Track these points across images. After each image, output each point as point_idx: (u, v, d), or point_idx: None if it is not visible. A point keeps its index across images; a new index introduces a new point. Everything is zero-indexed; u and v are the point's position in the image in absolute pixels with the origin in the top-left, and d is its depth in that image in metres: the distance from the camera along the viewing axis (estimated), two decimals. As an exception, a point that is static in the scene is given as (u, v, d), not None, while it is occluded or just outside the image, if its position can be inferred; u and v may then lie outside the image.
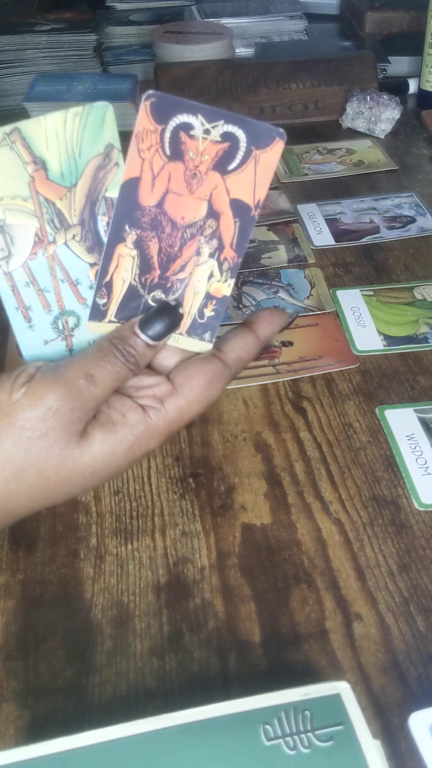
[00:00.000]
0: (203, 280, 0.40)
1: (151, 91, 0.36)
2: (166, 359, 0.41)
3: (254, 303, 0.71)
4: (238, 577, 0.47)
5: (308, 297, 0.71)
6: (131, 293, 0.40)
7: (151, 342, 0.39)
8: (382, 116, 1.02)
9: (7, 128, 0.37)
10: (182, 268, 0.40)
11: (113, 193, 0.39)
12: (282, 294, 0.72)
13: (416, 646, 0.43)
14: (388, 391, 0.60)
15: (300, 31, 1.32)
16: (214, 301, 0.40)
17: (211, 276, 0.40)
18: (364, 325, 0.67)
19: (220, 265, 0.40)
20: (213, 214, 0.38)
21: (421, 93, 1.09)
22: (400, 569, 0.47)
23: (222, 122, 0.36)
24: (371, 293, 0.72)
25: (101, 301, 0.40)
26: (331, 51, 1.25)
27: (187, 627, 0.44)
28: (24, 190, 0.38)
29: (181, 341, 0.41)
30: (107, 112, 0.37)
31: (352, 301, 0.70)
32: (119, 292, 0.40)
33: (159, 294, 0.40)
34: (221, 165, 0.37)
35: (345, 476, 0.53)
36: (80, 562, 0.48)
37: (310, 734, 0.32)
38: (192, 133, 0.37)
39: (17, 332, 0.41)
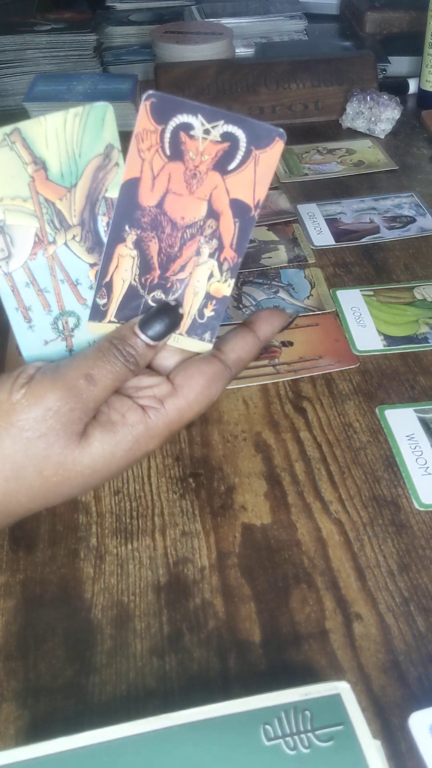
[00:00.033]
0: (203, 281, 0.40)
1: (151, 92, 0.36)
2: (166, 359, 0.41)
3: (254, 303, 0.71)
4: (238, 577, 0.47)
5: (308, 297, 0.71)
6: (131, 293, 0.40)
7: (151, 342, 0.39)
8: (382, 116, 1.02)
9: (8, 128, 0.37)
10: (182, 269, 0.40)
11: (113, 193, 0.39)
12: (282, 294, 0.72)
13: (416, 646, 0.43)
14: (388, 391, 0.60)
15: (300, 31, 1.32)
16: (214, 302, 0.40)
17: (211, 276, 0.40)
18: (364, 325, 0.67)
19: (220, 265, 0.40)
20: (213, 214, 0.38)
21: (421, 93, 1.09)
22: (400, 569, 0.47)
23: (222, 122, 0.36)
24: (371, 293, 0.72)
25: (101, 302, 0.40)
26: (331, 51, 1.25)
27: (187, 627, 0.44)
28: (24, 190, 0.38)
29: (181, 341, 0.41)
30: (107, 113, 0.37)
31: (352, 301, 0.70)
32: (119, 292, 0.40)
33: (159, 294, 0.40)
34: (221, 165, 0.37)
35: (345, 476, 0.53)
36: (80, 562, 0.48)
37: (310, 734, 0.32)
38: (192, 133, 0.37)
39: (17, 332, 0.41)
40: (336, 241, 0.80)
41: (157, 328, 0.39)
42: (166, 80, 1.07)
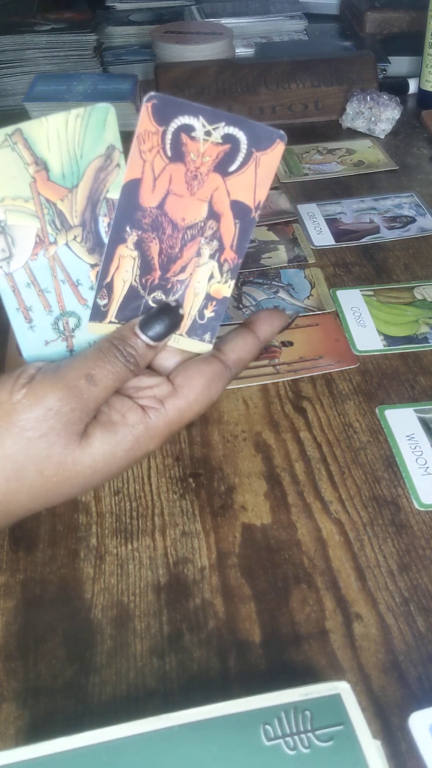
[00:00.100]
0: (203, 281, 0.40)
1: (152, 93, 0.36)
2: (167, 360, 0.41)
3: (254, 303, 0.71)
4: (238, 577, 0.47)
5: (308, 297, 0.71)
6: (132, 294, 0.40)
7: (151, 343, 0.39)
8: (382, 116, 1.02)
9: (9, 129, 0.37)
10: (183, 269, 0.40)
11: (114, 194, 0.39)
12: (282, 294, 0.72)
13: (416, 646, 0.43)
14: (388, 391, 0.60)
15: (300, 31, 1.32)
16: (214, 302, 0.40)
17: (211, 277, 0.40)
18: (364, 325, 0.67)
19: (221, 266, 0.40)
20: (213, 215, 0.38)
21: (421, 93, 1.10)
22: (400, 569, 0.47)
23: (223, 124, 0.36)
24: (371, 293, 0.72)
25: (102, 302, 0.40)
26: (331, 51, 1.25)
27: (187, 627, 0.44)
28: (25, 191, 0.38)
29: (181, 342, 0.41)
30: (109, 114, 0.37)
31: (352, 301, 0.70)
32: (120, 292, 0.40)
33: (159, 295, 0.40)
34: (222, 166, 0.37)
35: (345, 476, 0.53)
36: (80, 562, 0.48)
37: (310, 734, 0.33)
38: (193, 134, 0.37)
39: (18, 333, 0.41)
40: (336, 241, 0.80)
41: (158, 328, 0.39)
42: (166, 80, 1.07)
